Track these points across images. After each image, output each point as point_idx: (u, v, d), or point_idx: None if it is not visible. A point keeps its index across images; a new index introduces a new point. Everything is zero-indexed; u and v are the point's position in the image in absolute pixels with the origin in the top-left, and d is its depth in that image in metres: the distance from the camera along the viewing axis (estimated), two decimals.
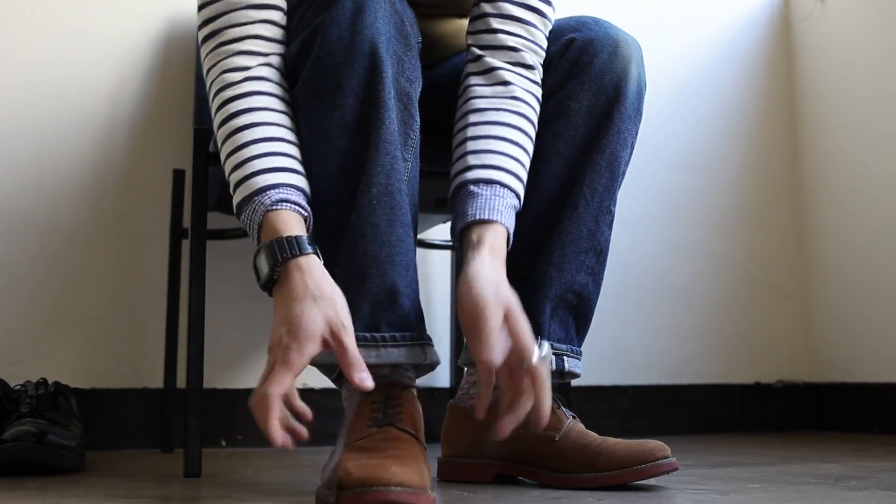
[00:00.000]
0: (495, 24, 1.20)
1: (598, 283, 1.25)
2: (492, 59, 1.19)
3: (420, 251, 1.24)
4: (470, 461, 1.26)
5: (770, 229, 2.23)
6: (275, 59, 1.12)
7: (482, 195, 1.11)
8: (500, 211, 1.10)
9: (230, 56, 1.10)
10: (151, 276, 1.82)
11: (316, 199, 1.08)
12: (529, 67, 1.20)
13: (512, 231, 1.11)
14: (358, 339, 1.02)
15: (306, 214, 1.05)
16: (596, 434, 1.20)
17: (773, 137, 2.26)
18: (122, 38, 1.86)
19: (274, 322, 1.00)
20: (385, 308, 1.06)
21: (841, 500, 1.03)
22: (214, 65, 1.11)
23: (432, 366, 1.11)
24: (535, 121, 1.19)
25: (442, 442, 1.29)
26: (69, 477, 1.32)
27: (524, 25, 1.20)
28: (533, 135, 1.18)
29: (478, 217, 1.09)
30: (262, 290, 1.03)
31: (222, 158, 1.08)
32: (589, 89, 1.21)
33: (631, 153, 1.25)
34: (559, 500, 1.06)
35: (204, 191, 1.42)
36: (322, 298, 0.98)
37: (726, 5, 2.26)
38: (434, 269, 1.93)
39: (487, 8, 1.21)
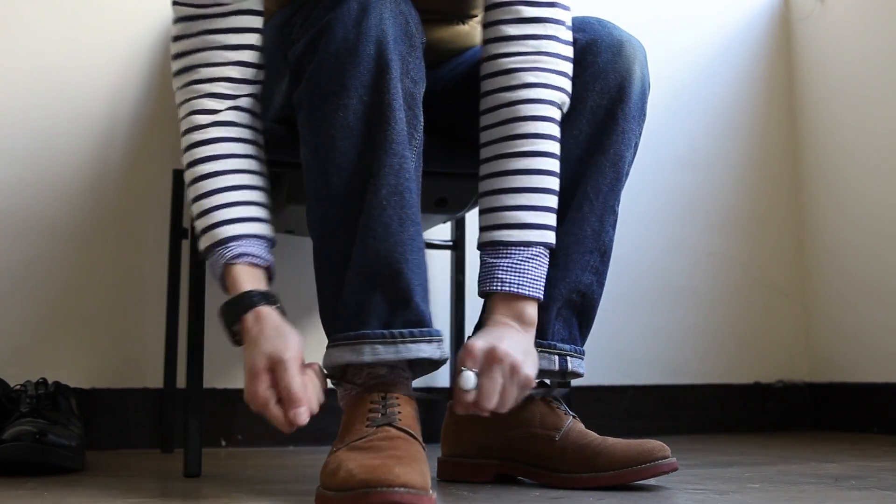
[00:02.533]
0: (494, 49, 1.19)
1: (601, 283, 1.25)
2: (493, 94, 1.18)
3: None
4: (470, 461, 1.26)
5: (770, 229, 2.23)
6: (244, 101, 1.16)
7: (486, 263, 1.16)
8: (499, 278, 1.14)
9: (200, 97, 1.15)
10: (151, 275, 1.81)
11: (320, 198, 1.08)
12: (529, 86, 1.16)
13: (521, 286, 1.14)
14: (375, 336, 1.06)
15: (265, 263, 1.12)
16: (596, 434, 1.20)
17: (773, 137, 2.26)
18: (122, 38, 1.85)
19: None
20: (400, 307, 1.06)
21: (841, 500, 1.03)
22: (185, 101, 1.16)
23: (444, 360, 1.11)
24: (543, 146, 1.16)
25: (442, 441, 1.30)
26: (69, 477, 1.32)
27: (522, 41, 1.17)
28: (541, 163, 1.16)
29: (481, 288, 1.16)
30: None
31: (189, 201, 1.14)
32: (593, 89, 1.21)
33: (635, 153, 1.25)
34: (559, 499, 1.06)
35: None
36: (261, 340, 1.04)
37: (726, 5, 2.26)
38: (434, 269, 1.92)
39: (488, 34, 1.20)
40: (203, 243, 1.12)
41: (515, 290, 1.13)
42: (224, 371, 1.83)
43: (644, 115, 1.25)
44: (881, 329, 2.02)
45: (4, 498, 1.10)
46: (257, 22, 1.17)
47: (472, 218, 1.90)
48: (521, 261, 1.14)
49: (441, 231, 1.92)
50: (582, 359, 1.24)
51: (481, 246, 1.17)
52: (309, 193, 1.10)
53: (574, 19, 1.26)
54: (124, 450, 1.76)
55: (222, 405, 1.82)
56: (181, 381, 1.75)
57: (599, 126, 1.21)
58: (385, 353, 1.05)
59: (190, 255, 1.41)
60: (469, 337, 1.14)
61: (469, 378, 1.08)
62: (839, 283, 2.14)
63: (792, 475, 1.26)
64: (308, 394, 1.02)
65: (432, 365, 1.11)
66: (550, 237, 1.16)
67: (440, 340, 1.10)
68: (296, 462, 1.54)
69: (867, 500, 1.04)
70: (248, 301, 1.07)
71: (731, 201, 2.21)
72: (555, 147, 1.17)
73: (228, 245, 1.10)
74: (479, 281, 1.16)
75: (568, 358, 1.22)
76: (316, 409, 1.03)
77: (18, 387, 1.49)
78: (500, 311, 1.14)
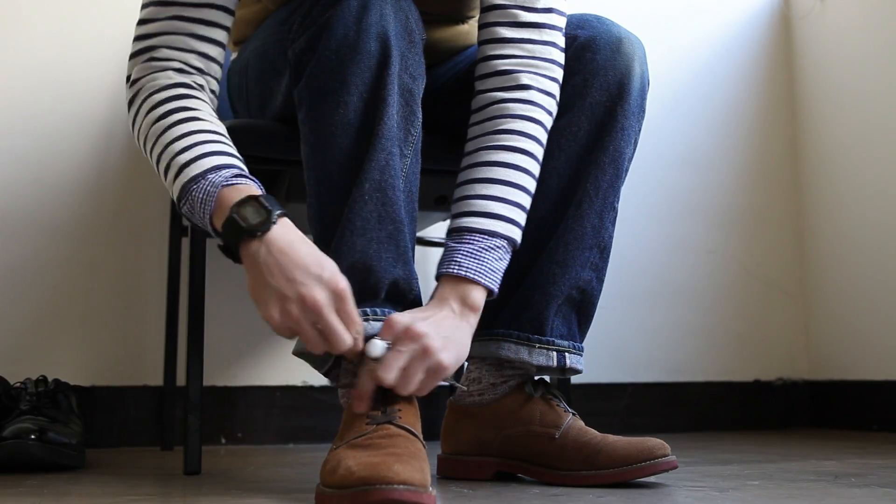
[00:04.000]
0: (489, 51, 1.19)
1: (601, 280, 1.25)
2: (484, 94, 1.18)
3: (419, 249, 1.25)
4: (470, 458, 1.26)
5: (770, 227, 2.23)
6: (206, 83, 1.13)
7: (448, 247, 1.12)
8: (456, 261, 1.10)
9: (161, 70, 1.10)
10: (151, 273, 1.82)
11: (321, 195, 1.08)
12: (523, 87, 1.16)
13: (478, 273, 1.09)
14: None
15: (263, 192, 1.04)
16: (596, 431, 1.20)
17: (773, 135, 2.26)
18: (122, 37, 1.85)
19: (268, 270, 0.99)
20: (367, 301, 1.06)
21: (840, 498, 1.03)
22: (142, 77, 1.11)
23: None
24: (526, 145, 1.15)
25: (442, 439, 1.30)
26: (69, 474, 1.32)
27: (518, 45, 1.18)
28: (521, 160, 1.14)
29: (437, 272, 1.11)
30: (226, 245, 1.02)
31: (156, 152, 1.06)
32: (592, 86, 1.21)
33: (634, 150, 1.26)
34: (559, 497, 1.06)
35: None
36: (314, 251, 1.00)
37: (726, 3, 2.26)
38: (433, 267, 1.93)
39: (483, 35, 1.20)
40: (184, 177, 1.02)
41: (468, 274, 1.09)
42: (224, 369, 1.83)
43: (643, 111, 1.25)
44: (881, 326, 2.02)
45: (4, 495, 1.10)
46: (228, 21, 1.15)
47: None
48: (482, 249, 1.10)
49: (441, 229, 1.92)
50: (581, 355, 1.25)
51: (447, 234, 1.14)
52: (309, 190, 1.10)
53: (573, 16, 1.26)
54: (124, 447, 1.76)
55: (222, 403, 1.82)
56: (181, 379, 1.75)
57: (599, 123, 1.21)
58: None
59: (190, 253, 1.41)
60: None
61: (376, 346, 1.01)
62: (839, 281, 2.14)
63: (791, 472, 1.26)
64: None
65: None
66: (516, 234, 1.13)
67: None
68: (296, 460, 1.54)
69: (866, 497, 1.04)
70: (274, 205, 1.00)
71: (731, 199, 2.21)
72: (539, 151, 1.16)
73: (220, 171, 1.02)
74: (437, 266, 1.12)
75: (566, 354, 1.22)
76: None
77: (18, 384, 1.49)
78: (443, 291, 1.09)
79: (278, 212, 1.00)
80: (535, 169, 1.16)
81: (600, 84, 1.21)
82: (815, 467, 1.33)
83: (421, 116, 1.11)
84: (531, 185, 1.15)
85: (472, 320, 1.10)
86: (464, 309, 1.09)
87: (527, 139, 1.15)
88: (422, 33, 1.11)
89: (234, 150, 1.07)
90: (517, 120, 1.15)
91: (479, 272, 1.09)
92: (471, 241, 1.11)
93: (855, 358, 2.09)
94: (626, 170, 1.25)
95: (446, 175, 1.40)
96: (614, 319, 2.06)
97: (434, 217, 1.73)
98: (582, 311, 1.25)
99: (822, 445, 1.69)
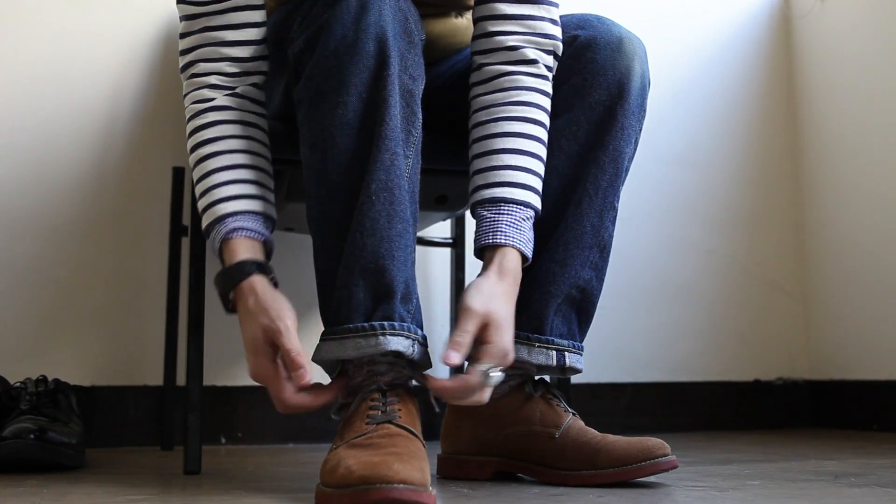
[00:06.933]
0: (490, 26, 1.21)
1: (601, 279, 1.25)
2: (491, 66, 1.20)
3: (420, 249, 1.25)
4: (469, 458, 1.26)
5: (770, 226, 2.23)
6: (242, 89, 1.19)
7: (487, 217, 1.15)
8: (503, 231, 1.13)
9: (199, 88, 1.19)
10: (151, 273, 1.82)
11: (320, 196, 1.09)
12: (531, 62, 1.19)
13: (522, 244, 1.14)
14: (357, 329, 1.05)
15: (260, 237, 1.13)
16: (596, 431, 1.20)
17: (773, 135, 2.26)
18: (122, 36, 1.85)
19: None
20: (382, 302, 1.06)
21: (840, 497, 1.03)
22: (187, 94, 1.20)
23: (424, 365, 1.11)
24: (541, 117, 1.19)
25: (441, 439, 1.30)
26: (69, 474, 1.32)
27: (520, 21, 1.20)
28: (540, 132, 1.19)
29: (484, 241, 1.14)
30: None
31: (194, 184, 1.17)
32: (592, 86, 1.21)
33: (635, 149, 1.26)
34: (559, 497, 1.06)
35: None
36: (258, 311, 1.07)
37: (727, 2, 2.26)
38: (434, 267, 1.93)
39: (482, 11, 1.22)
40: (203, 223, 1.14)
41: (517, 245, 1.13)
42: (224, 368, 1.83)
43: (644, 111, 1.25)
44: (881, 326, 2.02)
45: (4, 495, 1.10)
46: (257, 16, 1.19)
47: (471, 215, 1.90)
48: (521, 220, 1.14)
49: (441, 228, 1.92)
50: (580, 354, 1.25)
51: (480, 203, 1.16)
52: (309, 191, 1.10)
53: (573, 16, 1.26)
54: (124, 447, 1.76)
55: (222, 402, 1.82)
56: (181, 379, 1.75)
57: (599, 122, 1.22)
58: (366, 346, 1.05)
59: (190, 253, 1.41)
60: (468, 292, 1.11)
61: (496, 378, 1.08)
62: (839, 281, 2.14)
63: (792, 472, 1.26)
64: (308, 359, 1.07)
65: (420, 364, 1.11)
66: (540, 204, 1.18)
67: (416, 339, 1.08)
68: (296, 459, 1.54)
69: (866, 497, 1.04)
70: (242, 270, 1.09)
71: (731, 198, 2.21)
72: (548, 124, 1.20)
73: (225, 221, 1.12)
74: (478, 236, 1.15)
75: (566, 353, 1.22)
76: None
77: (18, 384, 1.49)
78: (503, 262, 1.12)
79: (231, 285, 1.09)
80: (546, 141, 1.20)
81: (601, 84, 1.21)
82: (816, 467, 1.33)
83: (421, 117, 1.11)
84: (545, 156, 1.19)
85: (517, 291, 1.14)
86: (515, 281, 1.13)
87: (540, 111, 1.19)
88: (421, 34, 1.11)
89: (246, 180, 1.15)
90: (530, 92, 1.19)
91: (523, 242, 1.14)
92: (510, 212, 1.14)
93: (855, 358, 2.09)
94: (627, 169, 1.25)
95: (446, 174, 1.41)
96: (614, 319, 2.06)
97: (434, 217, 1.73)
98: (582, 310, 1.25)
99: (823, 445, 1.69)
